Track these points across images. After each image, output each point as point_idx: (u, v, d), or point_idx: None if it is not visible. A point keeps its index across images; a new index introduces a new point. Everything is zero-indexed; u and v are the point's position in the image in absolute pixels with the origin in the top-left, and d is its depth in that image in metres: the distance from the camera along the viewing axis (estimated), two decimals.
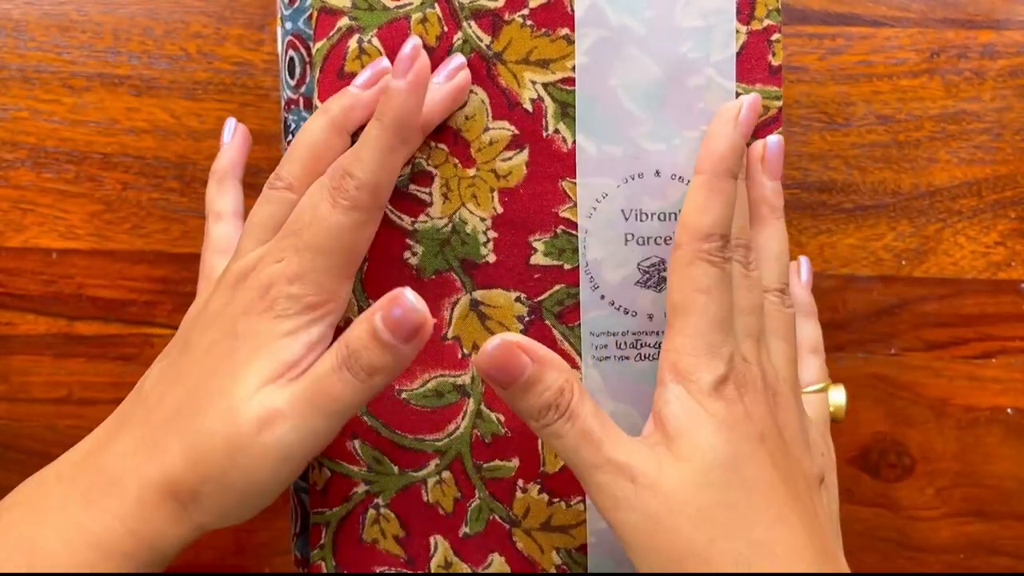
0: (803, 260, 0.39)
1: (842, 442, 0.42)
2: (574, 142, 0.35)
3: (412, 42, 0.32)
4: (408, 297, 0.30)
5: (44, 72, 0.41)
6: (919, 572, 0.42)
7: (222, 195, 0.37)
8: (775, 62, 0.35)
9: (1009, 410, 0.42)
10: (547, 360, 0.31)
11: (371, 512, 0.36)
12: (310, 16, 0.35)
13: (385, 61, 0.34)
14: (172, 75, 0.41)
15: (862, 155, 0.41)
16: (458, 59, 0.34)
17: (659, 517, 0.29)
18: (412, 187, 0.35)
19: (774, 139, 0.35)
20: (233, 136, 0.38)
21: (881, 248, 0.41)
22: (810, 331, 0.38)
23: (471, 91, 0.35)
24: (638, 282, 0.36)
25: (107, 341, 0.42)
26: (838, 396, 0.37)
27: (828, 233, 0.42)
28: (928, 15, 0.41)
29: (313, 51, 0.35)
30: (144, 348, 0.42)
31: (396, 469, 0.36)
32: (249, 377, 0.31)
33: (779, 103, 0.36)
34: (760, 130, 0.35)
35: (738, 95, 0.35)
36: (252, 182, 0.37)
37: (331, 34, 0.35)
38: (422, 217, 0.36)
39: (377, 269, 0.36)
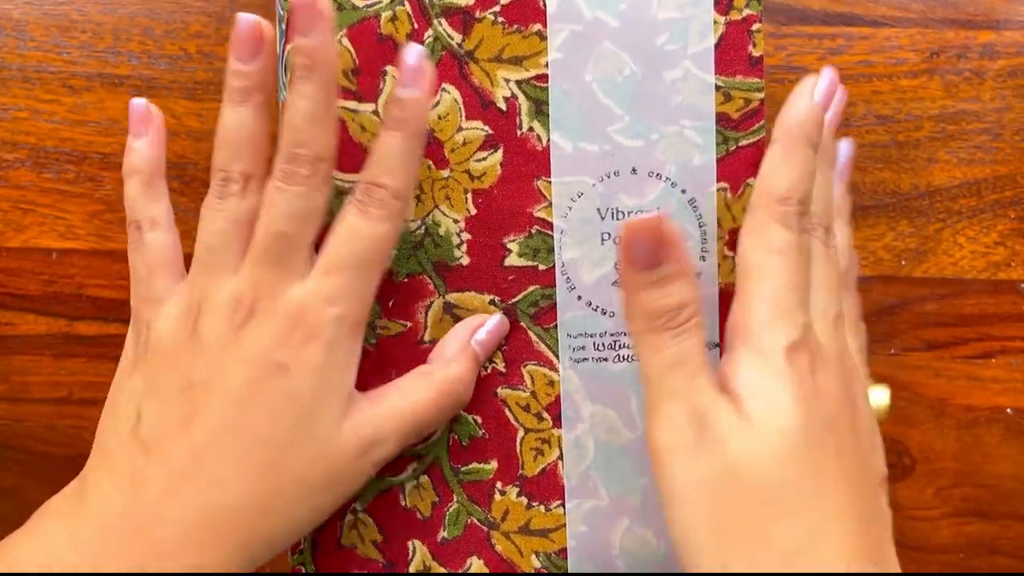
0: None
1: None
2: (549, 140, 0.35)
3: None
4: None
5: (44, 72, 0.41)
6: (919, 572, 0.42)
7: (154, 199, 0.34)
8: (756, 52, 0.35)
9: (1009, 410, 0.42)
10: (687, 272, 0.29)
11: (349, 517, 0.36)
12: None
13: (245, 17, 0.33)
14: (172, 75, 0.41)
15: (862, 155, 0.41)
16: (415, 52, 0.32)
17: (718, 479, 0.28)
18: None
19: (845, 144, 0.36)
20: (152, 124, 0.34)
21: (881, 248, 0.41)
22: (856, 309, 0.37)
23: (444, 90, 0.35)
24: (615, 282, 0.36)
25: (107, 341, 0.42)
26: (882, 395, 0.36)
27: None
28: (928, 15, 0.41)
29: (284, 53, 0.35)
30: None
31: (373, 474, 0.36)
32: (329, 416, 0.31)
33: (761, 95, 0.35)
34: (742, 123, 0.35)
35: (717, 88, 0.35)
36: None
37: None
38: None
39: None
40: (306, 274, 0.32)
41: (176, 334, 0.32)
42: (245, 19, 0.32)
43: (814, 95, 0.32)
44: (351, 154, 0.35)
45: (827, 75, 0.33)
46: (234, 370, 0.31)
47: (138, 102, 0.34)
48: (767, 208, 0.31)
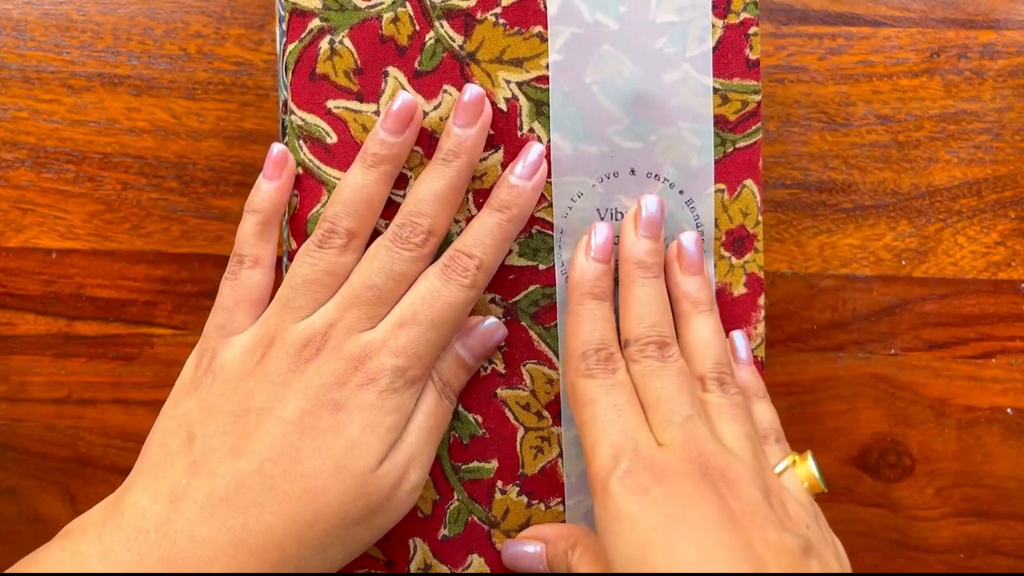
0: (736, 337, 0.37)
1: (842, 442, 0.42)
2: (549, 141, 0.35)
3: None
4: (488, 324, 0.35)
5: (44, 72, 0.41)
6: (919, 572, 0.42)
7: (264, 240, 0.35)
8: (752, 56, 0.35)
9: (1009, 410, 0.42)
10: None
11: None
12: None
13: (404, 96, 0.34)
14: (172, 75, 0.41)
15: (862, 155, 0.41)
16: (537, 150, 0.35)
17: None
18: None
19: (689, 236, 0.35)
20: (284, 173, 0.35)
21: (881, 248, 0.41)
22: (761, 414, 0.36)
23: (445, 92, 0.35)
24: (614, 281, 0.36)
25: (107, 341, 0.42)
26: (806, 468, 0.34)
27: (828, 233, 0.41)
28: (928, 15, 0.41)
29: (285, 53, 0.35)
30: (144, 348, 0.42)
31: None
32: (370, 456, 0.32)
33: (757, 98, 0.35)
34: (739, 125, 0.35)
35: (715, 90, 0.35)
36: (252, 181, 0.37)
37: (303, 36, 0.35)
38: None
39: None
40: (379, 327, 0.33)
41: (243, 363, 0.33)
42: (404, 99, 0.34)
43: (588, 252, 0.35)
44: (351, 154, 0.35)
45: (601, 230, 0.35)
46: (291, 401, 0.32)
47: (278, 148, 0.35)
48: (571, 369, 0.33)
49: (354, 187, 0.34)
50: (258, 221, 0.35)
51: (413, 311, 0.33)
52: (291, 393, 0.32)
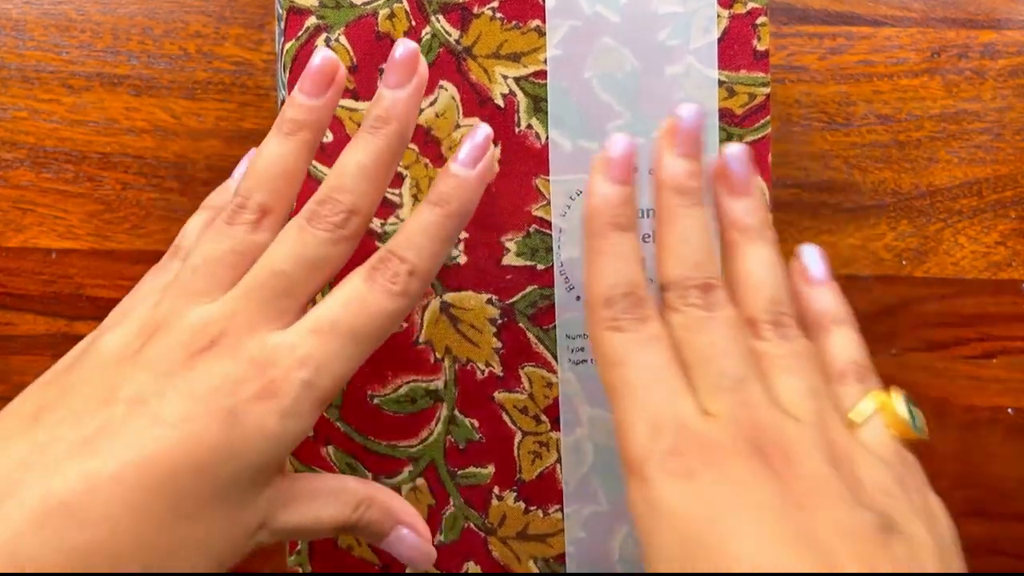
0: (806, 251, 0.31)
1: None
2: (547, 138, 0.35)
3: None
4: None
5: (43, 72, 0.41)
6: (919, 572, 0.42)
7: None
8: (760, 47, 0.34)
9: (1010, 410, 0.42)
10: None
11: None
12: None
13: (324, 52, 0.30)
14: (172, 75, 0.41)
15: (862, 155, 0.41)
16: (483, 132, 0.31)
17: None
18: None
19: (735, 149, 0.30)
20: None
21: (881, 248, 0.41)
22: (841, 345, 0.30)
23: (441, 87, 0.35)
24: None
25: None
26: (892, 410, 0.28)
27: (828, 233, 0.41)
28: (928, 15, 0.41)
29: (283, 52, 0.35)
30: None
31: (370, 476, 0.36)
32: (253, 487, 0.27)
33: (766, 90, 0.34)
34: (747, 119, 0.35)
35: (721, 83, 0.34)
36: None
37: (300, 34, 0.34)
38: (392, 219, 0.35)
39: (345, 273, 0.35)
40: (290, 325, 0.28)
41: (124, 346, 0.28)
42: (323, 55, 0.30)
43: (605, 174, 0.29)
44: None
45: (619, 143, 0.29)
46: (173, 398, 0.26)
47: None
48: (594, 318, 0.28)
49: (269, 158, 0.29)
50: (203, 220, 0.34)
51: (332, 318, 0.28)
52: (173, 389, 0.26)
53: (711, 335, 0.27)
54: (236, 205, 0.29)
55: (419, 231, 0.29)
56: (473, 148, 0.30)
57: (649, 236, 0.35)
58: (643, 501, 0.25)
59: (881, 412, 0.28)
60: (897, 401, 0.28)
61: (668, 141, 0.29)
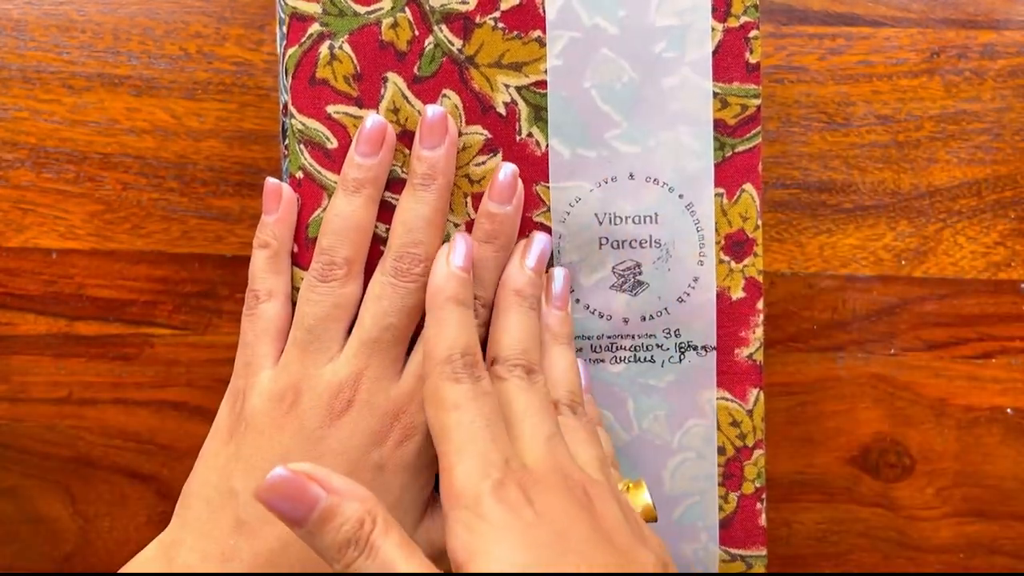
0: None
1: (842, 442, 0.42)
2: (548, 146, 0.35)
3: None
4: None
5: (44, 72, 0.41)
6: (919, 572, 0.42)
7: (276, 273, 0.35)
8: (752, 60, 0.35)
9: (1009, 410, 0.42)
10: (344, 490, 0.27)
11: None
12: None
13: (373, 117, 0.34)
14: (172, 75, 0.41)
15: (862, 155, 0.41)
16: (509, 170, 0.35)
17: None
18: (387, 194, 0.35)
19: (559, 273, 0.36)
20: (281, 205, 0.35)
21: (881, 248, 0.41)
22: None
23: (444, 95, 0.35)
24: (613, 286, 0.36)
25: (107, 341, 0.42)
26: (641, 496, 0.34)
27: (828, 233, 0.41)
28: (928, 15, 0.41)
29: (286, 57, 0.35)
30: (144, 348, 0.42)
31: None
32: (407, 518, 0.33)
33: (757, 102, 0.35)
34: (739, 128, 0.35)
35: (715, 95, 0.35)
36: (252, 181, 0.37)
37: (303, 40, 0.35)
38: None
39: None
40: (400, 371, 0.34)
41: (272, 411, 0.33)
42: (374, 120, 0.34)
43: (450, 259, 0.33)
44: None
45: (461, 243, 0.34)
46: (330, 461, 0.32)
47: (272, 182, 0.35)
48: (433, 372, 0.32)
49: (343, 215, 0.34)
50: (267, 256, 0.35)
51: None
52: (328, 452, 0.32)
53: (530, 399, 0.32)
54: (325, 264, 0.34)
55: (480, 266, 0.35)
56: (504, 186, 0.35)
57: (636, 243, 0.35)
58: (479, 524, 0.28)
59: (630, 495, 0.34)
60: (644, 491, 0.34)
61: (521, 255, 0.35)
